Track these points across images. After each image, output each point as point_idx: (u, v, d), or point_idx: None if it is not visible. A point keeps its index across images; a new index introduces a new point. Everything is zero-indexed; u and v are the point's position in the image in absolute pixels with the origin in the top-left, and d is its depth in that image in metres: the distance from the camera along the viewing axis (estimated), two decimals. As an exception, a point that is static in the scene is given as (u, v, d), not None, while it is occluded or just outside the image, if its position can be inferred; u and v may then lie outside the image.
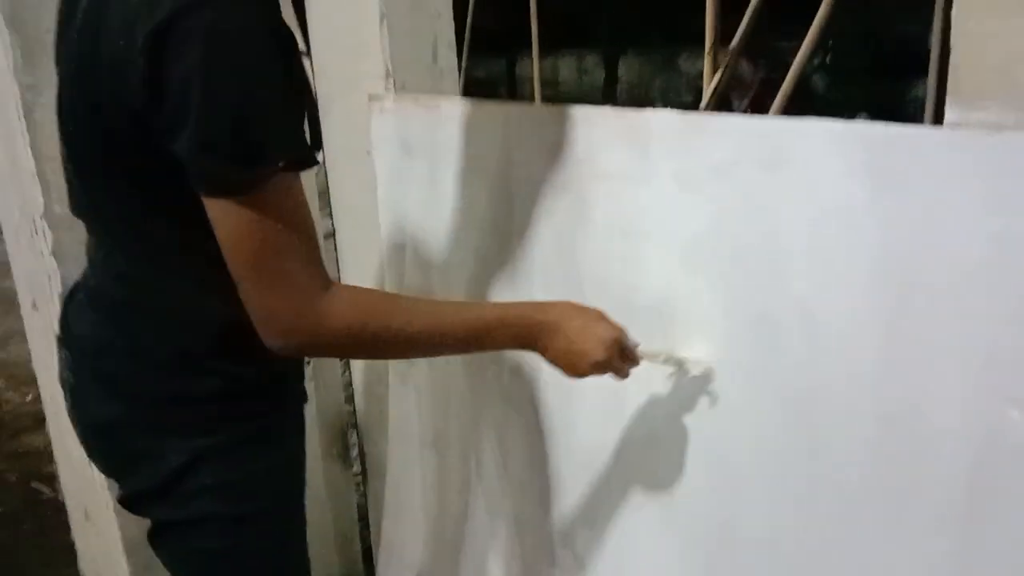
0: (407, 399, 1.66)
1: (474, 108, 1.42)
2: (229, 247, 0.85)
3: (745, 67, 5.16)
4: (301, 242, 0.86)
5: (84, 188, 0.99)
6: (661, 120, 1.05)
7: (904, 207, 0.84)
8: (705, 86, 4.03)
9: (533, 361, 1.32)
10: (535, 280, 1.33)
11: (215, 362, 0.98)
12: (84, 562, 2.09)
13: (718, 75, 4.10)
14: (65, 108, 0.96)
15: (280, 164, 0.83)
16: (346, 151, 1.73)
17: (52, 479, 2.80)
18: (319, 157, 1.08)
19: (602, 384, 1.05)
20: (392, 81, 1.56)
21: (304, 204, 0.88)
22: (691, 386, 1.08)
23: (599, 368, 0.99)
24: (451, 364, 1.52)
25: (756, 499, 1.04)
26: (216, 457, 0.99)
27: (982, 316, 0.80)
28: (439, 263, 1.52)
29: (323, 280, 0.89)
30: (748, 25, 3.26)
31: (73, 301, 1.10)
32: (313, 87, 1.42)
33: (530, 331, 0.99)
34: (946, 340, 0.83)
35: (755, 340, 0.99)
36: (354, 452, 2.06)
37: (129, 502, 1.07)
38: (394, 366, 1.69)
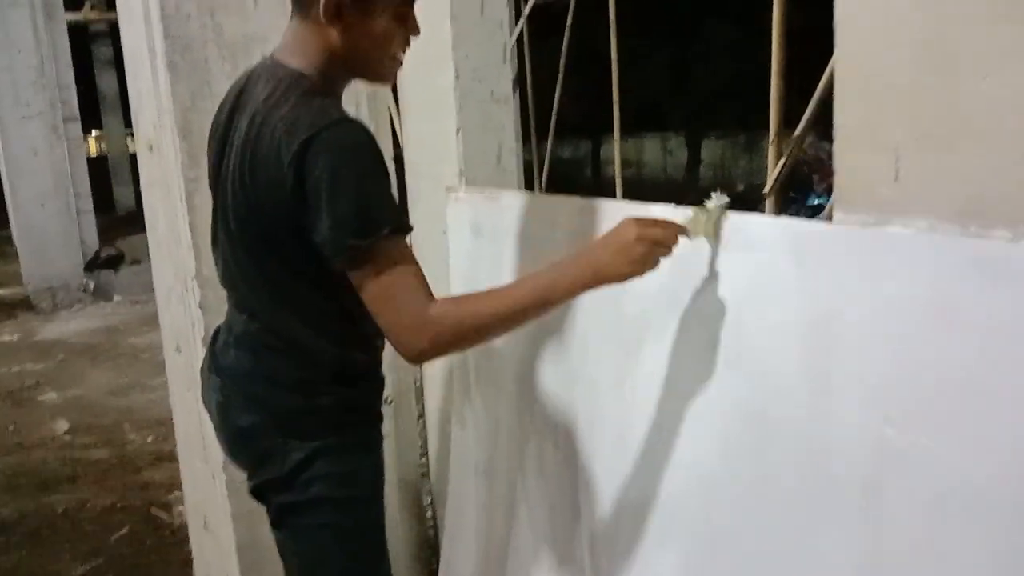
0: (466, 432, 2.01)
1: (527, 199, 1.80)
2: (365, 295, 1.23)
3: (826, 148, 5.40)
4: (411, 280, 1.22)
5: (237, 264, 1.38)
6: (671, 214, 1.40)
7: (817, 279, 1.16)
8: (769, 172, 4.34)
9: (569, 399, 1.66)
10: (579, 338, 1.66)
11: (328, 386, 1.37)
12: (199, 568, 2.48)
13: (782, 162, 4.41)
14: (230, 205, 1.34)
15: (387, 231, 1.20)
16: (428, 231, 2.14)
17: (169, 506, 3.25)
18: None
19: (621, 419, 1.37)
20: (464, 177, 1.97)
21: (409, 253, 1.25)
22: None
23: (640, 249, 1.21)
24: (501, 402, 1.87)
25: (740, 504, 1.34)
26: (328, 454, 1.37)
27: (868, 358, 1.11)
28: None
29: (430, 301, 1.23)
30: (812, 113, 3.59)
31: (219, 340, 1.50)
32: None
33: (582, 270, 1.24)
34: (844, 374, 1.13)
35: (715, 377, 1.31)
36: (425, 486, 2.42)
37: (259, 491, 1.45)
38: (457, 408, 2.05)
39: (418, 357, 1.29)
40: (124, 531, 3.08)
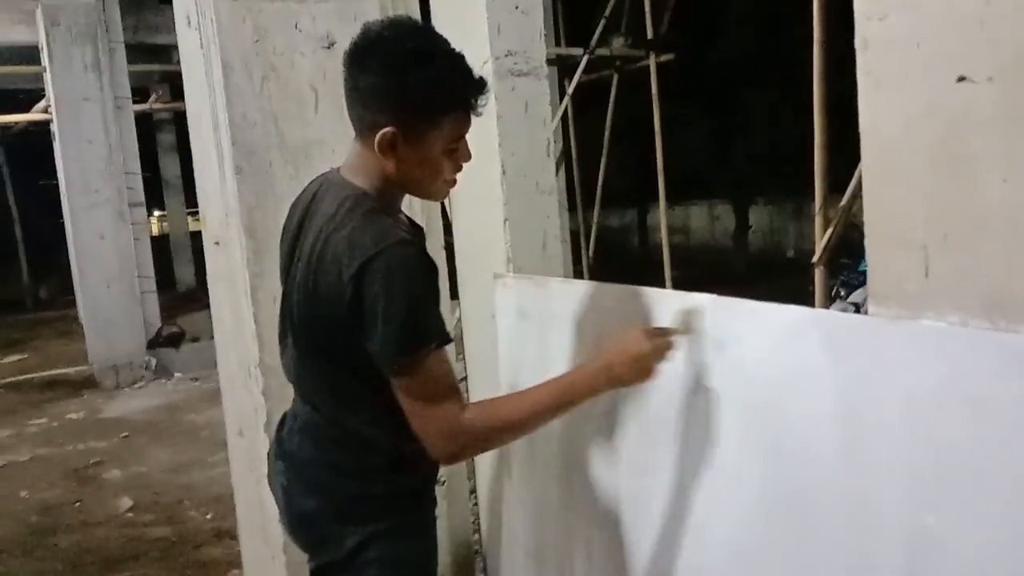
0: (515, 516, 2.05)
1: (570, 287, 1.88)
2: (404, 400, 1.34)
3: None
4: (448, 390, 1.34)
5: (300, 362, 1.49)
6: (697, 300, 1.47)
7: (852, 369, 1.21)
8: (817, 241, 4.36)
9: (613, 481, 1.70)
10: (623, 421, 1.71)
11: (384, 474, 1.45)
12: (258, 646, 2.52)
13: (829, 231, 4.45)
14: (296, 311, 1.45)
15: (433, 346, 1.32)
16: (477, 315, 2.22)
17: (227, 583, 3.30)
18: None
19: (666, 502, 1.41)
20: (511, 264, 2.05)
21: (447, 364, 1.35)
22: None
23: (650, 360, 1.40)
24: (548, 484, 1.91)
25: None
26: (383, 538, 1.43)
27: (904, 447, 1.14)
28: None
29: (462, 408, 1.35)
30: (857, 182, 3.62)
31: (284, 427, 1.58)
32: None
33: (596, 377, 1.41)
34: (883, 459, 1.16)
35: (756, 462, 1.35)
36: (479, 564, 2.44)
37: (319, 573, 1.51)
38: (507, 490, 2.09)
39: (449, 459, 1.43)
40: (185, 609, 3.14)
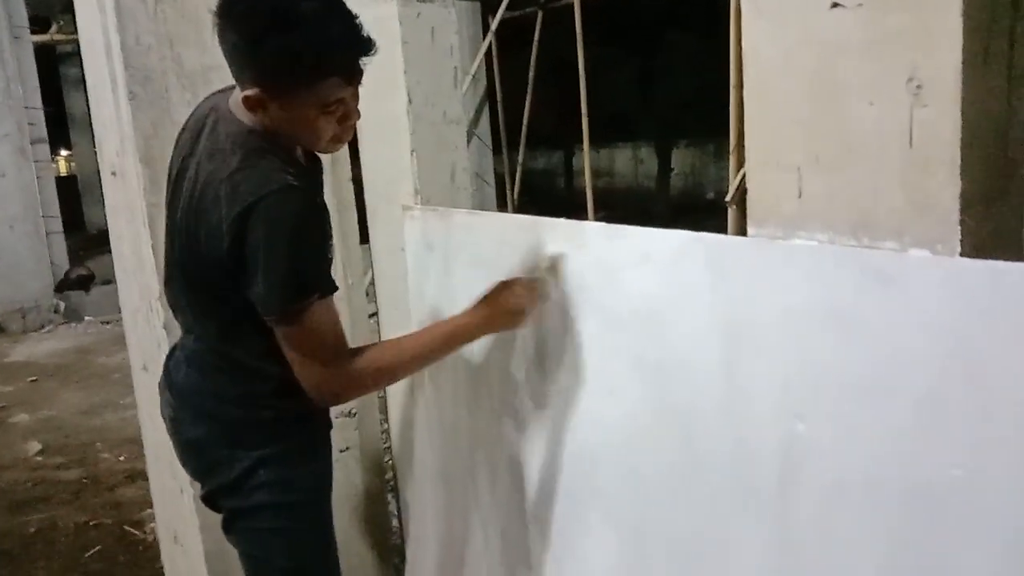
0: (424, 439, 2.08)
1: (475, 217, 1.89)
2: (286, 348, 1.35)
3: None
4: (330, 339, 1.36)
5: (184, 295, 1.47)
6: (588, 228, 1.50)
7: (731, 288, 1.26)
8: (730, 182, 4.47)
9: (508, 406, 1.74)
10: (513, 342, 1.75)
11: (270, 400, 1.46)
12: (171, 581, 2.53)
13: (742, 171, 4.55)
14: (177, 246, 1.43)
15: (316, 295, 1.32)
16: (387, 248, 2.22)
17: (141, 524, 3.29)
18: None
19: (559, 421, 1.46)
20: (419, 196, 2.05)
21: (332, 311, 1.36)
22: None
23: (524, 311, 1.54)
24: (457, 408, 1.95)
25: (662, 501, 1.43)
26: (272, 463, 1.46)
27: (778, 361, 1.20)
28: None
29: (346, 356, 1.38)
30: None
31: (172, 358, 1.58)
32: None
33: (475, 325, 1.52)
34: (760, 372, 1.23)
35: (642, 380, 1.41)
36: (389, 487, 2.49)
37: (210, 498, 1.53)
38: (417, 417, 2.12)
39: (330, 404, 1.49)
40: (97, 549, 3.12)
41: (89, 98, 2.26)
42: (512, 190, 8.24)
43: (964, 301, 1.00)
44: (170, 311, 1.91)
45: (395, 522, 2.53)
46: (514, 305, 1.52)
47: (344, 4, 1.29)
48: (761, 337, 1.23)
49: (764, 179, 1.20)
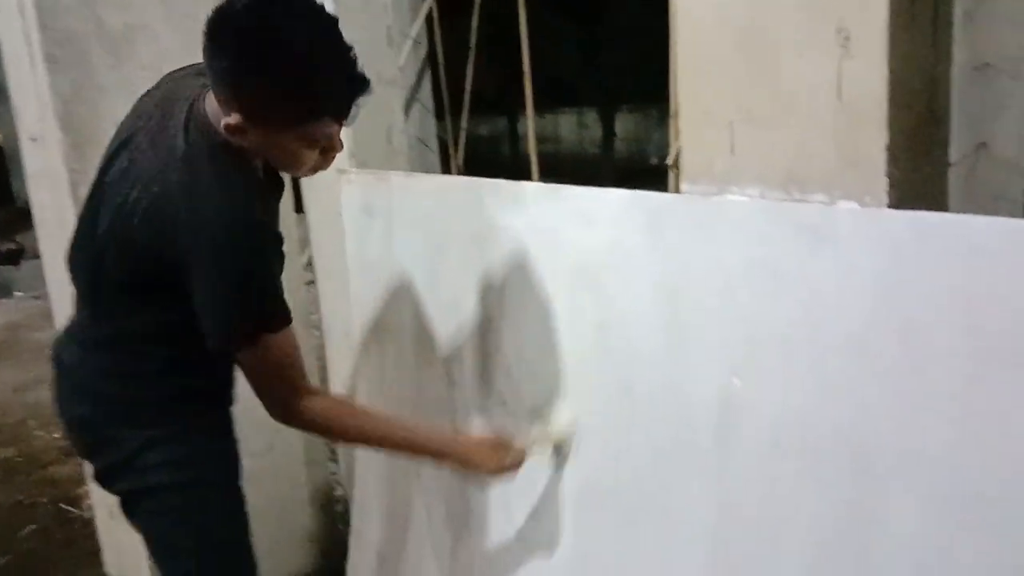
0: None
1: (416, 180, 1.86)
2: (243, 371, 1.31)
3: None
4: (285, 372, 1.30)
5: (90, 268, 1.37)
6: (527, 189, 1.49)
7: (667, 246, 1.26)
8: (671, 146, 4.47)
9: (463, 371, 1.73)
10: (457, 304, 1.74)
11: (157, 378, 1.38)
12: (108, 558, 2.48)
13: (678, 136, 4.54)
14: (105, 221, 1.31)
15: (268, 331, 1.26)
16: (324, 213, 2.17)
17: (78, 501, 3.21)
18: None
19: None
20: (355, 159, 2.01)
21: (288, 344, 1.29)
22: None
23: (497, 477, 1.47)
24: (401, 373, 1.93)
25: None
26: (163, 441, 1.38)
27: (715, 317, 1.21)
28: (392, 298, 1.94)
29: (301, 393, 1.32)
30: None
31: (64, 337, 1.49)
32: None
33: (446, 456, 1.46)
34: (698, 329, 1.24)
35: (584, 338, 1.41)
36: (331, 458, 2.47)
37: (101, 477, 1.45)
38: (360, 383, 2.10)
39: (286, 424, 1.40)
40: (32, 527, 3.04)
41: (3, 61, 2.15)
42: (456, 156, 8.15)
43: (891, 252, 1.02)
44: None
45: (339, 490, 2.52)
46: (496, 467, 1.45)
47: (340, 36, 1.19)
48: (698, 293, 1.24)
49: (697, 136, 1.20)
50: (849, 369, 1.08)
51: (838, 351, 1.09)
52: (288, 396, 1.31)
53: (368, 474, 2.14)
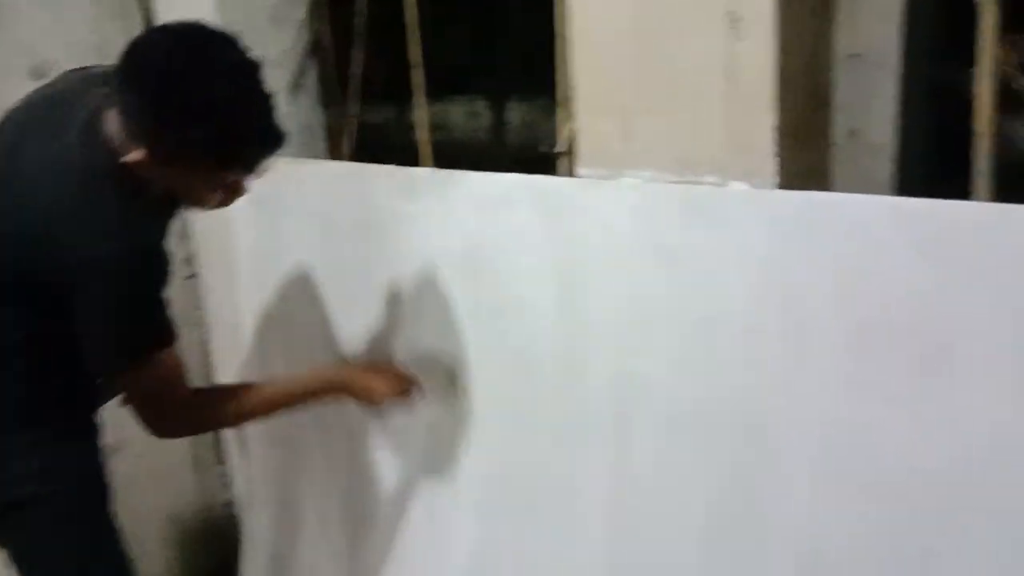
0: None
1: (305, 166, 1.81)
2: (124, 391, 1.28)
3: None
4: (168, 388, 1.26)
5: None
6: (421, 175, 1.46)
7: (563, 229, 1.26)
8: (559, 132, 4.52)
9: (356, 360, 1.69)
10: (349, 294, 1.69)
11: (15, 385, 1.29)
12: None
13: (568, 124, 4.62)
14: None
15: (150, 353, 1.22)
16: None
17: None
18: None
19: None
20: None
21: (169, 362, 1.25)
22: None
23: (384, 399, 1.40)
24: (290, 359, 1.87)
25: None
26: (22, 452, 1.30)
27: (611, 298, 1.22)
28: (281, 289, 1.87)
29: (180, 405, 1.29)
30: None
31: None
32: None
33: (329, 388, 1.43)
34: (593, 311, 1.24)
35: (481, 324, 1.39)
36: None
37: None
38: (244, 370, 2.02)
39: (167, 438, 1.39)
40: None
41: None
42: (345, 144, 7.99)
43: (780, 231, 1.04)
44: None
45: (228, 491, 2.42)
46: (391, 391, 1.40)
47: (261, 88, 1.17)
48: (593, 275, 1.24)
49: (592, 121, 1.20)
50: (740, 345, 1.10)
51: (729, 327, 1.11)
52: (167, 414, 1.29)
53: (257, 473, 2.07)
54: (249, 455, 2.06)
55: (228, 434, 2.19)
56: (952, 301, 0.93)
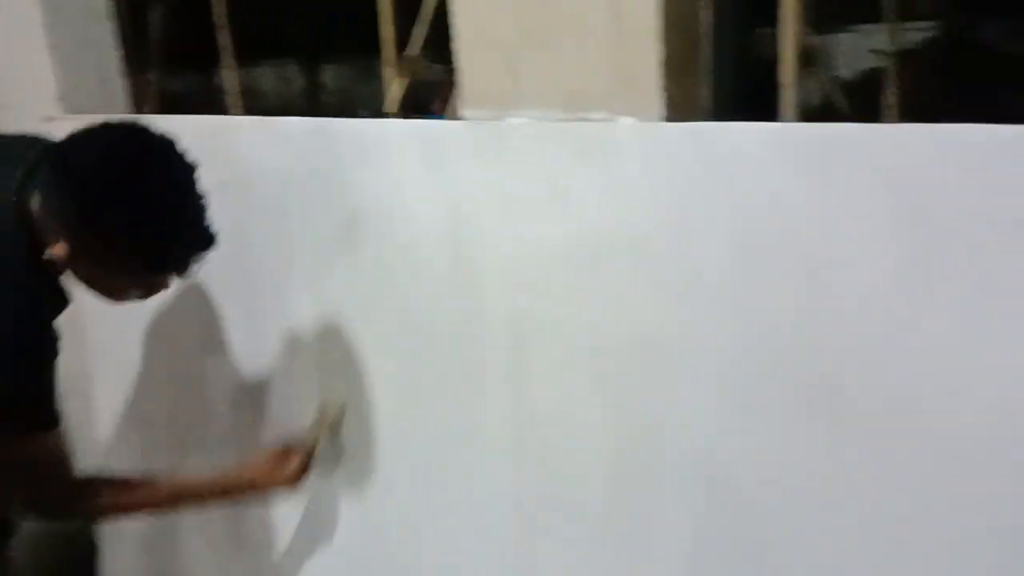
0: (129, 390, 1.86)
1: (150, 122, 1.67)
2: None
3: (439, 71, 5.56)
4: (47, 475, 1.21)
5: None
6: (290, 125, 1.40)
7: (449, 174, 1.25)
8: (388, 96, 4.44)
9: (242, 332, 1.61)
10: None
11: None
12: None
13: (400, 83, 4.53)
14: None
15: (27, 430, 1.16)
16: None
17: None
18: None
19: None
20: (65, 104, 1.76)
21: (52, 445, 1.20)
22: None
23: (293, 481, 1.39)
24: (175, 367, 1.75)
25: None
26: None
27: (500, 239, 1.23)
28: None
29: (69, 488, 1.24)
30: (422, 36, 3.67)
31: None
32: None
33: (239, 494, 1.41)
34: (487, 255, 1.25)
35: (374, 278, 1.37)
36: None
37: None
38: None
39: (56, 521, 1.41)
40: None
41: None
42: (147, 111, 7.42)
43: (669, 164, 1.09)
44: None
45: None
46: (288, 478, 1.39)
47: (195, 191, 1.18)
48: (483, 220, 1.24)
49: (477, 60, 1.19)
50: (633, 276, 1.14)
51: (622, 260, 1.14)
52: (56, 496, 1.25)
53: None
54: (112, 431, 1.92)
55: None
56: (827, 215, 1.00)
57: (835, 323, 0.99)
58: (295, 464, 1.39)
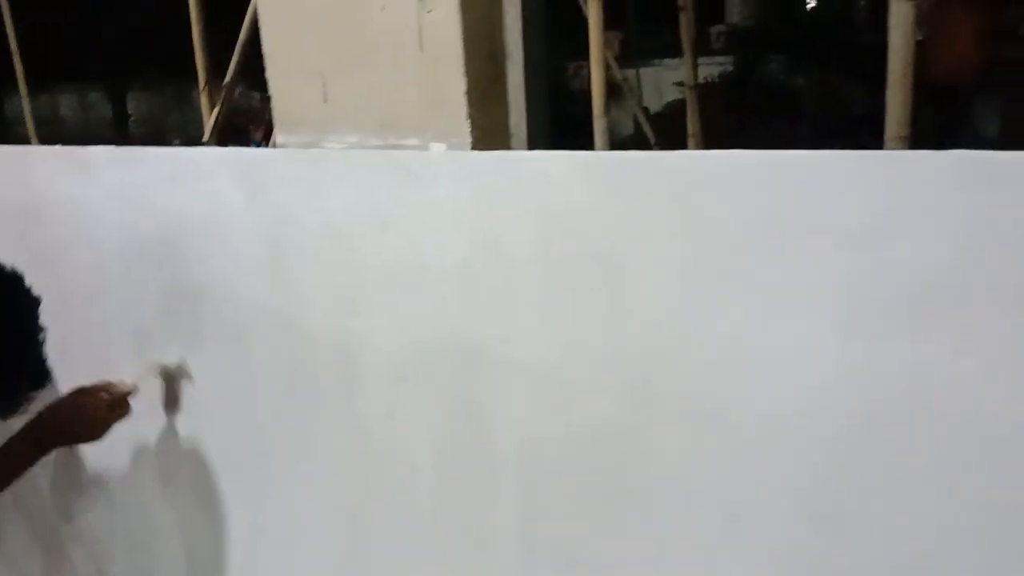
0: None
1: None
2: None
3: (257, 98, 5.40)
4: None
5: None
6: (95, 153, 1.35)
7: (266, 202, 1.25)
8: (205, 120, 4.28)
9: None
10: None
11: None
12: None
13: (215, 111, 4.40)
14: None
15: None
16: None
17: None
18: None
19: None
20: None
21: None
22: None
23: (107, 421, 1.31)
24: None
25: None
26: None
27: (324, 266, 1.24)
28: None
29: None
30: (238, 62, 3.56)
31: None
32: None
33: (51, 436, 1.30)
34: (309, 281, 1.25)
35: (184, 307, 1.34)
36: None
37: None
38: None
39: None
40: None
41: None
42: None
43: (478, 189, 1.14)
44: None
45: None
46: (104, 412, 1.30)
47: (36, 325, 1.18)
48: (304, 245, 1.25)
49: (289, 86, 1.20)
50: (454, 295, 1.18)
51: (442, 280, 1.19)
52: None
53: None
54: None
55: None
56: (626, 231, 1.09)
57: (638, 326, 1.08)
58: (111, 397, 1.32)
